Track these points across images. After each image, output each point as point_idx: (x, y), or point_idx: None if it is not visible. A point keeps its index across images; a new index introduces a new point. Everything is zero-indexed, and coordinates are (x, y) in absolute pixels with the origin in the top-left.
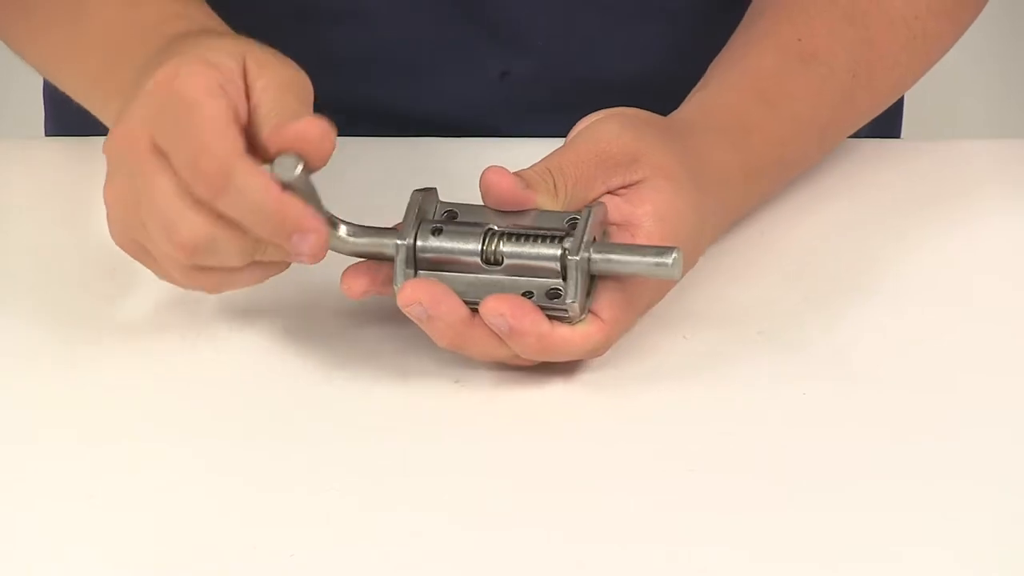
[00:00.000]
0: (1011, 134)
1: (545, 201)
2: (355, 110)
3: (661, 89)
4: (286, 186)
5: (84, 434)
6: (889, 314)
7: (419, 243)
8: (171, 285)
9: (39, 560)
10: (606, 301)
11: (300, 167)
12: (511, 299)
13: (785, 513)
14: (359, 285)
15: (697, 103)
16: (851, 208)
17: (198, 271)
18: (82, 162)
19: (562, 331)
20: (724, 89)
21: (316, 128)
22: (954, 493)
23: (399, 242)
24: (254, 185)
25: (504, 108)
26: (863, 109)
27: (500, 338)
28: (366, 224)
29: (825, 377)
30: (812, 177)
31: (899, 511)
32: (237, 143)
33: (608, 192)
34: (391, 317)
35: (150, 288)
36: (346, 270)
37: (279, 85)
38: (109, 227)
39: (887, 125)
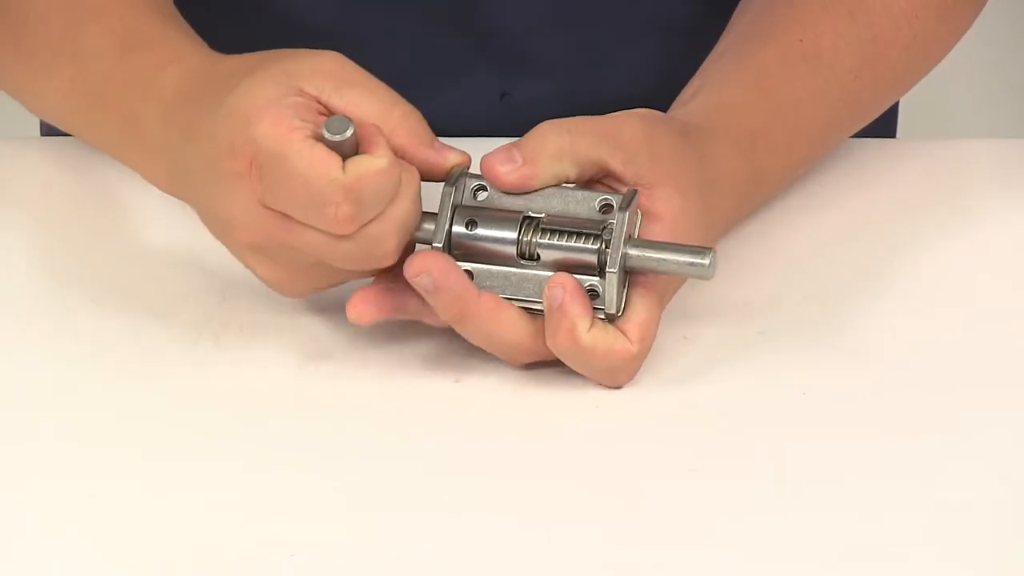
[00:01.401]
0: (1010, 134)
1: (552, 172)
2: None
3: (662, 108)
4: (333, 145)
5: (84, 434)
6: (889, 314)
7: (455, 231)
8: (171, 286)
9: (39, 560)
10: (636, 320)
11: (351, 130)
12: (570, 282)
13: (785, 513)
14: (367, 313)
15: (703, 103)
16: (851, 208)
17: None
18: (78, 162)
19: (595, 340)
20: (729, 89)
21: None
22: (955, 493)
23: (435, 243)
24: (375, 180)
25: (503, 130)
26: (865, 109)
27: (502, 318)
28: None
29: (825, 377)
30: (811, 177)
31: (900, 511)
32: (333, 164)
33: (614, 186)
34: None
35: (150, 288)
36: (353, 297)
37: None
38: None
39: (882, 125)
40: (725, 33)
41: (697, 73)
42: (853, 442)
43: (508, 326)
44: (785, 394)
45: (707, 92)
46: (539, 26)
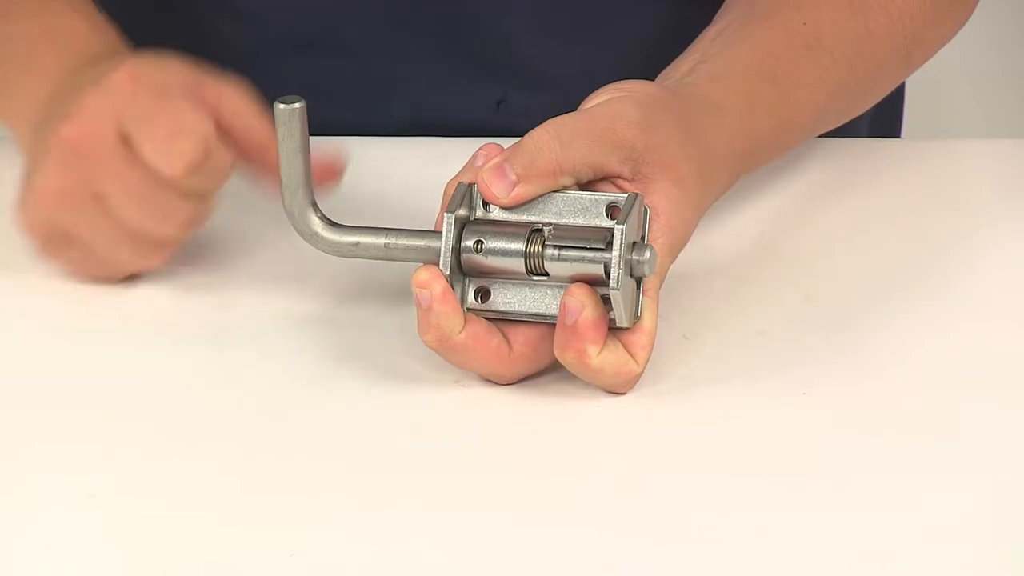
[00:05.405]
0: (1011, 134)
1: (546, 188)
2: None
3: None
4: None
5: (83, 434)
6: (889, 313)
7: (465, 256)
8: (172, 286)
9: (39, 560)
10: (643, 343)
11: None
12: (590, 300)
13: (785, 513)
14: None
15: (703, 76)
16: (851, 208)
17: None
18: None
19: (603, 363)
20: (731, 63)
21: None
22: (956, 493)
23: (444, 271)
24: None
25: (500, 137)
26: (854, 101)
27: (477, 355)
28: (400, 227)
29: (826, 377)
30: (812, 177)
31: (901, 511)
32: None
33: (613, 183)
34: (391, 317)
35: (149, 288)
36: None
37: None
38: (24, 212)
39: (887, 125)
40: (720, 15)
41: (693, 47)
42: (853, 442)
43: (483, 363)
44: (785, 394)
45: (709, 65)
46: (533, 36)
